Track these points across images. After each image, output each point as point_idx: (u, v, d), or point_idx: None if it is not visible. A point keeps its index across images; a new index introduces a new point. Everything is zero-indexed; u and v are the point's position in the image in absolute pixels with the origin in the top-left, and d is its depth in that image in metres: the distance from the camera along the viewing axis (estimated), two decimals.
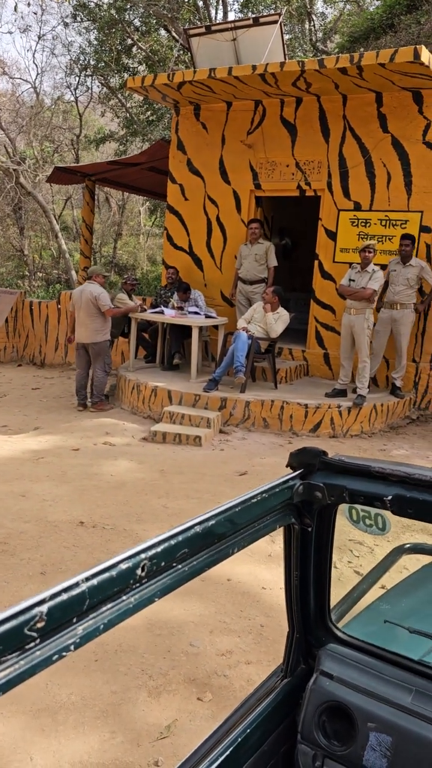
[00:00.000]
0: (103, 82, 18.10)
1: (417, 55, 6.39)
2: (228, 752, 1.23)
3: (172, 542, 0.88)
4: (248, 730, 1.29)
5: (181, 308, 7.96)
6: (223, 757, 1.22)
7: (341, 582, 3.46)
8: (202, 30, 8.75)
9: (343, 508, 1.30)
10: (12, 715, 2.48)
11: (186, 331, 7.88)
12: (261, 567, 3.80)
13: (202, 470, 5.47)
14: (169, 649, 2.95)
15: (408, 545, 2.29)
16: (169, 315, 7.75)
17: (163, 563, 0.87)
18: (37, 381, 9.48)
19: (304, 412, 6.73)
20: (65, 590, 0.72)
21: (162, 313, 7.84)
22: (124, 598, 0.81)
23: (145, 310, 8.20)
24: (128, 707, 2.57)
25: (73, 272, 19.00)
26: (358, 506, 1.28)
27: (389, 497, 1.17)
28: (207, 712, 2.58)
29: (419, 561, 2.34)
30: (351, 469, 1.23)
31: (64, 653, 0.73)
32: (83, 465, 5.45)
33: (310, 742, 1.34)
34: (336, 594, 1.94)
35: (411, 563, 2.39)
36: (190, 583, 3.35)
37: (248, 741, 1.28)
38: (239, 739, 1.26)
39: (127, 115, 17.83)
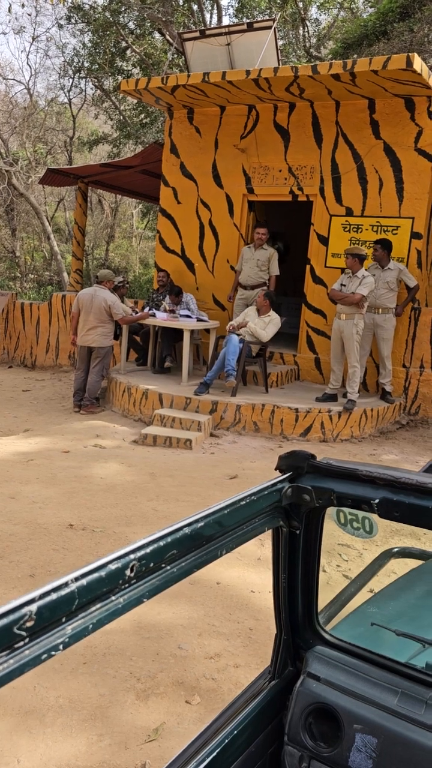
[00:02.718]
0: (96, 84, 18.12)
1: (409, 62, 6.44)
2: (215, 753, 1.24)
3: (161, 543, 0.89)
4: (235, 732, 1.29)
5: (172, 311, 7.97)
6: (210, 758, 1.22)
7: (330, 586, 3.47)
8: (197, 34, 8.78)
9: (331, 511, 1.31)
10: None
11: (177, 334, 7.89)
12: (250, 570, 3.80)
13: (192, 473, 5.48)
14: (158, 652, 2.95)
15: (396, 549, 2.31)
16: (161, 318, 7.76)
17: (152, 564, 0.87)
18: (27, 383, 9.45)
19: (295, 416, 6.75)
20: (54, 590, 0.73)
21: (153, 316, 7.85)
22: (113, 598, 0.82)
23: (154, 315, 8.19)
24: (116, 710, 2.57)
25: (65, 274, 18.96)
26: (346, 509, 1.29)
27: (376, 500, 1.18)
28: (195, 715, 2.58)
29: (407, 565, 2.36)
30: (339, 473, 1.24)
31: (53, 652, 0.73)
32: (73, 467, 5.44)
33: (296, 744, 1.35)
34: (325, 598, 1.96)
35: (400, 567, 2.40)
36: (179, 587, 3.34)
37: (235, 742, 1.29)
38: (226, 741, 1.27)
39: (121, 117, 17.85)
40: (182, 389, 7.25)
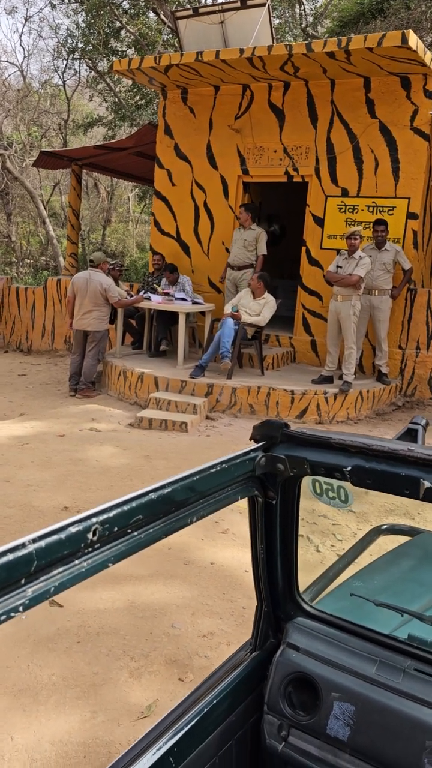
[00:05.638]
0: (91, 65, 17.91)
1: (405, 39, 6.35)
2: (195, 721, 1.25)
3: (125, 508, 0.88)
4: (215, 701, 1.30)
5: (167, 293, 7.94)
6: (189, 726, 1.23)
7: (323, 566, 3.49)
8: (190, 12, 8.66)
9: (307, 481, 1.31)
10: None
11: (173, 317, 7.87)
12: (244, 551, 3.82)
13: (187, 456, 5.48)
14: (151, 631, 2.97)
15: (385, 526, 2.32)
16: (156, 301, 7.73)
17: (116, 528, 0.87)
18: (23, 367, 9.44)
19: (291, 398, 6.75)
20: (11, 551, 0.72)
21: (149, 299, 7.83)
22: (76, 562, 0.81)
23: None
24: (109, 688, 2.59)
25: (62, 259, 18.87)
26: (321, 479, 1.29)
27: (349, 468, 1.18)
28: (188, 693, 2.60)
29: (397, 542, 2.36)
30: (312, 441, 1.24)
31: (12, 614, 0.73)
32: (68, 451, 5.45)
33: (275, 713, 1.36)
34: (315, 575, 1.96)
35: (389, 545, 2.41)
36: (173, 567, 3.35)
37: (215, 711, 1.30)
38: (206, 710, 1.28)
39: (116, 99, 17.67)
40: (178, 372, 7.24)
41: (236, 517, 4.20)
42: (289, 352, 8.33)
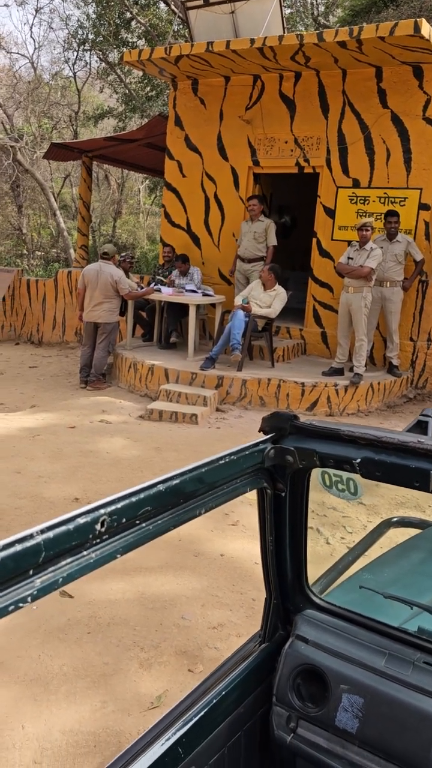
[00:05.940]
0: (101, 57, 17.85)
1: (417, 28, 6.28)
2: (204, 712, 1.25)
3: (134, 499, 0.88)
4: (224, 692, 1.31)
5: (172, 282, 7.95)
6: (198, 717, 1.24)
7: (333, 558, 3.48)
8: (200, 2, 8.59)
9: (316, 473, 1.31)
10: (4, 685, 2.52)
11: (183, 309, 7.86)
12: (254, 542, 3.82)
13: (198, 448, 5.49)
14: (161, 622, 2.99)
15: (395, 519, 2.31)
16: (167, 293, 7.73)
17: (124, 520, 0.87)
18: (34, 359, 9.47)
19: (301, 390, 6.73)
20: (19, 541, 0.72)
21: (159, 291, 7.82)
22: (84, 553, 0.82)
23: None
24: (120, 678, 2.61)
25: (72, 251, 18.88)
26: (331, 471, 1.29)
27: (358, 460, 1.17)
28: (197, 683, 2.61)
29: (407, 534, 2.35)
30: (321, 433, 1.23)
31: (21, 604, 0.73)
32: (79, 442, 5.47)
33: (284, 704, 1.36)
34: (324, 568, 1.96)
35: (400, 537, 2.40)
36: (183, 558, 3.36)
37: (224, 702, 1.31)
38: (215, 701, 1.29)
39: (126, 90, 17.60)
40: (188, 364, 7.24)
41: (246, 509, 4.21)
42: (299, 344, 8.30)
